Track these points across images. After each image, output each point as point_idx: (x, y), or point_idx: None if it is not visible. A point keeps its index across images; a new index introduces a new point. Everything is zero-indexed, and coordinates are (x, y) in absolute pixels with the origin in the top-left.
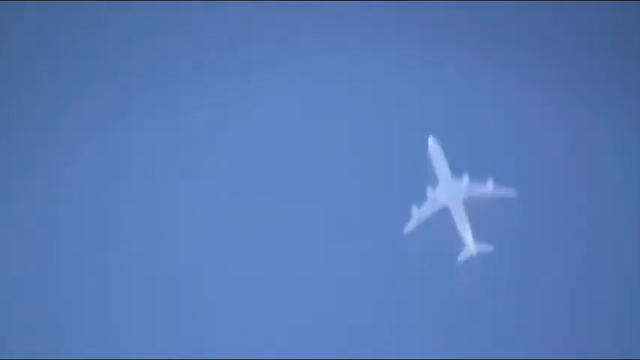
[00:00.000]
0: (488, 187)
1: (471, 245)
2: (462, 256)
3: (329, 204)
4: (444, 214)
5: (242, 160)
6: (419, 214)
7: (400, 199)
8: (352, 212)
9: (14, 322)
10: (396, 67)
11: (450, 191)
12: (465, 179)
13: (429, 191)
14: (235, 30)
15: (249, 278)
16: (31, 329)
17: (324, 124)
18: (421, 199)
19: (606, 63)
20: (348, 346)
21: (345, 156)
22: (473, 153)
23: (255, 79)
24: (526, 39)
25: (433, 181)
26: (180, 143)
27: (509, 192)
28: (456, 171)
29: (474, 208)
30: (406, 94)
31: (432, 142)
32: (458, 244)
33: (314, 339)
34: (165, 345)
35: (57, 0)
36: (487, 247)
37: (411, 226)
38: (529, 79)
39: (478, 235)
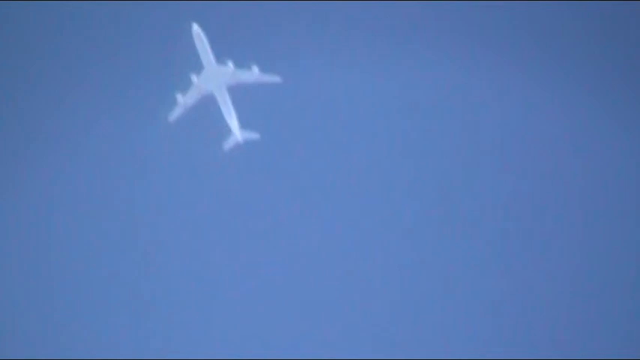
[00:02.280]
0: (254, 73)
1: (236, 132)
2: (228, 144)
3: None
4: (209, 101)
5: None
6: (183, 101)
7: (161, 86)
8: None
9: (14, 321)
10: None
11: (214, 77)
12: (230, 65)
13: (193, 78)
14: (235, 29)
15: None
16: (31, 329)
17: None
18: (185, 86)
19: (606, 63)
20: None
21: None
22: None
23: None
24: (526, 39)
25: (197, 67)
26: (181, 142)
27: (274, 78)
28: (220, 57)
29: (241, 94)
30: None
31: (196, 28)
32: (224, 131)
33: None
34: (165, 345)
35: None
36: (253, 135)
37: (175, 114)
38: (530, 78)
39: (244, 123)
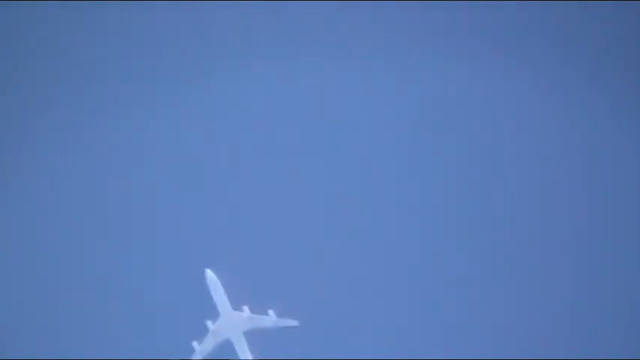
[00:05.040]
0: (271, 318)
1: None
2: None
3: None
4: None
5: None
6: (200, 349)
7: (178, 335)
8: None
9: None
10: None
11: (231, 323)
12: (246, 310)
13: (209, 324)
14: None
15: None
16: (30, 329)
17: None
18: (201, 333)
19: (607, 63)
20: None
21: None
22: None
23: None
24: (528, 39)
25: (213, 314)
26: (180, 141)
27: (292, 322)
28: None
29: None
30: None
31: (210, 274)
32: None
33: None
34: (165, 345)
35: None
36: None
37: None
38: (532, 79)
39: None
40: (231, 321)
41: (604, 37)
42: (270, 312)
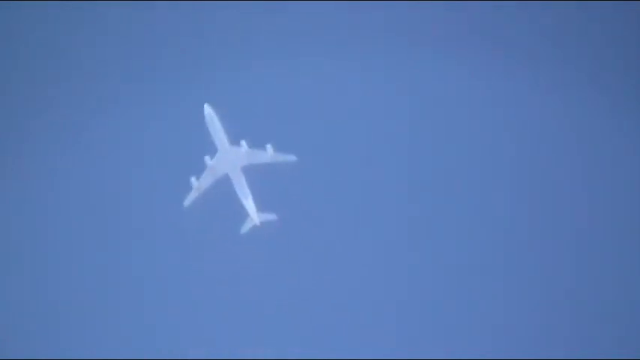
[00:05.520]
0: (268, 152)
1: (253, 215)
2: (245, 227)
3: None
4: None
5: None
6: (198, 184)
7: (175, 171)
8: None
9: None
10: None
11: (228, 158)
12: (244, 145)
13: (207, 160)
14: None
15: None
16: (30, 329)
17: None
18: (199, 169)
19: (607, 63)
20: None
21: None
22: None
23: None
24: (529, 40)
25: (211, 149)
26: (197, 227)
27: (289, 157)
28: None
29: (257, 175)
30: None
31: (207, 109)
32: (241, 214)
33: None
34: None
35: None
36: (271, 216)
37: (190, 198)
38: (533, 80)
39: (262, 204)
40: (229, 156)
41: (604, 37)
42: (268, 146)
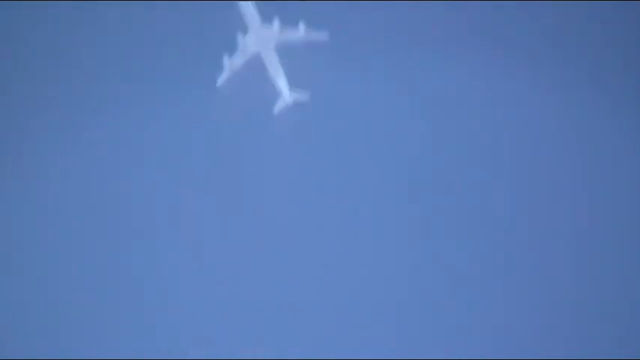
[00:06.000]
0: (300, 31)
1: (285, 94)
2: (278, 107)
3: None
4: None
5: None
6: (230, 64)
7: (209, 50)
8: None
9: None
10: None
11: (260, 37)
12: (276, 24)
13: (239, 39)
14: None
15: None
16: (30, 329)
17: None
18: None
19: (607, 63)
20: None
21: None
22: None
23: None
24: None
25: (242, 28)
26: (230, 106)
27: (321, 35)
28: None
29: (288, 54)
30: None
31: None
32: (273, 94)
33: None
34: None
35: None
36: (303, 95)
37: (223, 77)
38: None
39: (293, 83)
40: (260, 34)
41: (604, 37)
42: (300, 24)
